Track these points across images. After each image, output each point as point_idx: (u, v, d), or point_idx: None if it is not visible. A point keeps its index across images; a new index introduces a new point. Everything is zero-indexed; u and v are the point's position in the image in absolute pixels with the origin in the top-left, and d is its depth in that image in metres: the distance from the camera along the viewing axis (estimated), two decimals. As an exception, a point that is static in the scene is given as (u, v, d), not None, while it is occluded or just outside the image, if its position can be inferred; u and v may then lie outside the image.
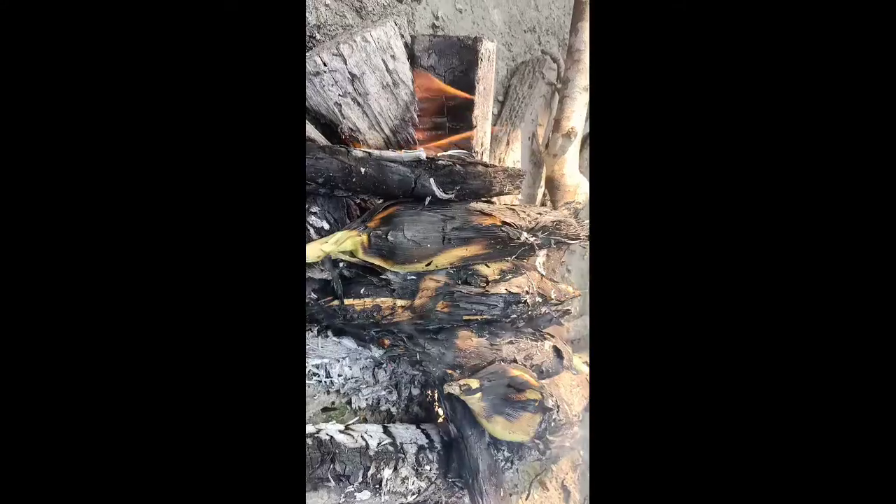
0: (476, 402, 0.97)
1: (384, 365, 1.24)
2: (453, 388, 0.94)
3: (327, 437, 1.00)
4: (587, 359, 1.60)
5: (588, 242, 1.25)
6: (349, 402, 1.21)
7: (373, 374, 1.23)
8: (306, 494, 0.92)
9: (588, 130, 1.84)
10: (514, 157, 1.43)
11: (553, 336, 1.30)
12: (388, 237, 0.96)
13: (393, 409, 1.29)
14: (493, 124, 1.52)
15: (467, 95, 1.00)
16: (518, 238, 1.06)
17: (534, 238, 1.08)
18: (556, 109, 1.39)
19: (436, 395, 1.35)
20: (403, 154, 0.96)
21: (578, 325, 2.03)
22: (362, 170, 0.93)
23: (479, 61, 1.07)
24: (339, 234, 0.96)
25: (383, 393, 1.24)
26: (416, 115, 1.06)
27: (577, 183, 1.34)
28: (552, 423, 1.11)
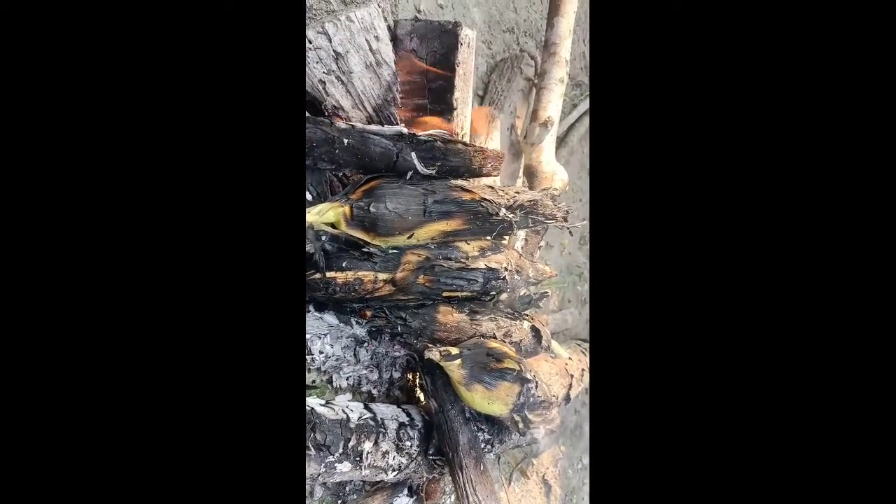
0: (455, 370, 0.98)
1: (366, 344, 1.25)
2: (433, 354, 0.95)
3: (308, 408, 1.00)
4: (565, 345, 1.63)
5: (564, 225, 1.29)
6: (330, 381, 1.21)
7: (354, 354, 1.24)
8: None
9: (579, 123, 1.91)
10: (493, 146, 1.47)
11: (532, 318, 1.33)
12: (371, 209, 0.99)
13: (374, 391, 1.29)
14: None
15: (447, 73, 1.04)
16: (497, 213, 1.09)
17: (512, 215, 1.12)
18: (534, 100, 1.45)
19: (416, 380, 1.36)
20: (386, 127, 0.99)
21: (557, 318, 2.07)
22: (345, 141, 0.96)
23: (459, 45, 1.12)
24: (321, 205, 0.98)
25: (364, 372, 1.24)
26: (398, 96, 1.10)
27: (553, 170, 1.39)
28: (531, 398, 1.13)
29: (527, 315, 1.32)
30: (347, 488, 1.23)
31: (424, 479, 1.21)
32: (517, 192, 1.16)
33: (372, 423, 1.08)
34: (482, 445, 1.24)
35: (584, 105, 2.07)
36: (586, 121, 2.04)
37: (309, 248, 1.06)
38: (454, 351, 0.98)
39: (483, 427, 1.26)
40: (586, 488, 2.18)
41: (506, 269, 1.16)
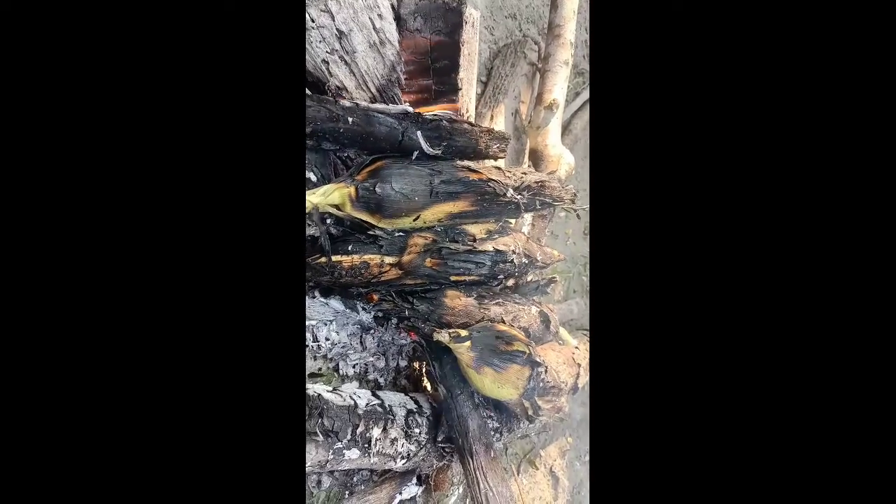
0: (465, 352, 0.96)
1: (372, 331, 1.23)
2: (442, 336, 0.93)
3: (315, 394, 0.98)
4: (573, 334, 1.61)
5: (572, 208, 1.27)
6: (336, 369, 1.19)
7: (360, 341, 1.22)
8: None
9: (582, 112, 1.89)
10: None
11: (540, 303, 1.31)
12: (376, 189, 0.97)
13: (380, 380, 1.27)
14: (477, 103, 1.55)
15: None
16: (504, 194, 1.07)
17: (520, 196, 1.10)
18: (538, 84, 1.43)
19: (423, 369, 1.34)
20: (391, 106, 0.97)
21: (562, 308, 2.05)
22: (350, 119, 0.94)
23: (464, 24, 1.10)
24: (326, 187, 0.96)
25: (371, 360, 1.22)
26: (402, 76, 1.08)
27: (559, 153, 1.37)
28: (540, 383, 1.11)
29: (535, 300, 1.30)
30: (355, 478, 1.21)
31: (433, 467, 1.18)
32: (524, 173, 1.14)
33: (380, 409, 1.06)
34: (493, 434, 1.21)
35: (588, 93, 2.05)
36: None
37: (314, 231, 1.04)
38: (463, 333, 0.96)
39: (492, 415, 1.23)
40: (594, 480, 2.16)
41: (513, 251, 1.14)
